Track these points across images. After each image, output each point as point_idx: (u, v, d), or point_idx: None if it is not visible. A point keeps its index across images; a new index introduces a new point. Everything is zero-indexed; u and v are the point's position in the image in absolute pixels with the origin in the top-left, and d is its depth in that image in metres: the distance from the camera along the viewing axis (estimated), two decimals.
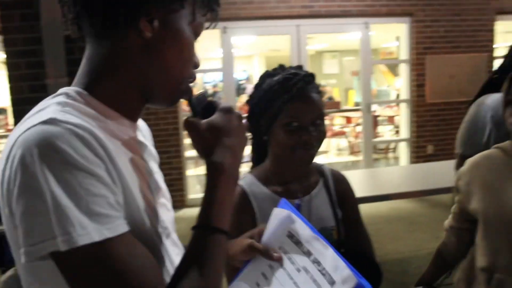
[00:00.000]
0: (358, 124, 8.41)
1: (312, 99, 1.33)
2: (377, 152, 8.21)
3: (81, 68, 0.83)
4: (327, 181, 1.49)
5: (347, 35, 7.52)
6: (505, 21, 6.44)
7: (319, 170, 1.51)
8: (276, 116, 1.34)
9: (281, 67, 1.43)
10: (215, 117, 0.82)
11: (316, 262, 0.94)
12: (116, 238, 0.67)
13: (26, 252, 0.65)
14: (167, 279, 0.77)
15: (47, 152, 0.65)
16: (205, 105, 0.86)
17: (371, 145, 6.67)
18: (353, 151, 8.48)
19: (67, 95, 0.77)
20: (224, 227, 0.77)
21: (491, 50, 6.32)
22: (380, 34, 8.39)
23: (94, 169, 0.67)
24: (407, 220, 4.95)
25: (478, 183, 1.53)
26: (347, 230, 1.47)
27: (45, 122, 0.68)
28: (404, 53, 6.44)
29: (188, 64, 0.84)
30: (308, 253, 0.96)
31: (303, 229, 0.98)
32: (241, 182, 1.43)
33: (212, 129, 0.81)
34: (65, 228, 0.63)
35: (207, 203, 0.78)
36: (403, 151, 6.74)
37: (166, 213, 0.89)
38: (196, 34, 0.85)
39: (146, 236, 0.78)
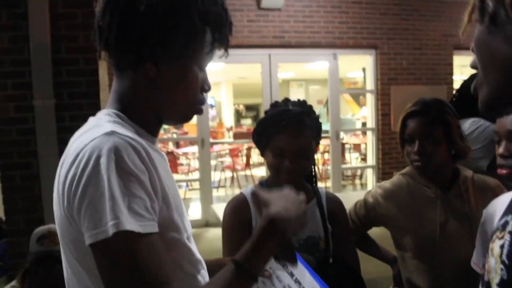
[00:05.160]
0: (325, 151, 8.65)
1: (297, 134, 1.56)
2: (344, 179, 8.43)
3: (111, 95, 0.99)
4: (321, 200, 1.70)
5: (313, 64, 7.78)
6: (462, 56, 6.86)
7: (315, 190, 1.73)
8: (268, 141, 1.60)
9: (286, 100, 1.66)
10: (285, 195, 1.02)
11: (297, 282, 1.17)
12: (146, 235, 0.79)
13: (90, 236, 0.78)
14: (191, 269, 0.97)
15: (110, 157, 0.79)
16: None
17: (340, 171, 6.88)
18: (321, 177, 8.67)
19: (109, 115, 0.93)
20: (258, 275, 0.91)
21: (450, 82, 6.75)
22: (344, 64, 8.73)
23: (140, 175, 0.81)
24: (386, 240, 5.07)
25: (397, 212, 1.77)
26: (336, 244, 1.66)
27: (107, 134, 0.83)
28: (370, 83, 6.75)
29: (194, 94, 0.99)
30: (291, 274, 1.20)
31: None
32: (243, 190, 1.71)
33: (279, 196, 1.00)
34: (116, 214, 0.76)
35: (256, 251, 0.91)
36: (370, 178, 6.99)
37: (187, 217, 1.05)
38: (201, 66, 0.99)
39: (179, 236, 0.94)
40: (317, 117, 1.65)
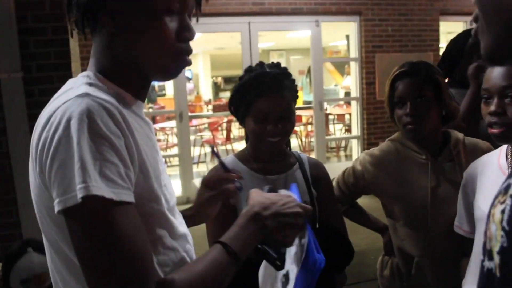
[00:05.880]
0: (309, 123, 8.52)
1: (278, 96, 1.53)
2: (329, 151, 8.36)
3: (90, 58, 0.95)
4: (303, 165, 1.69)
5: (294, 33, 7.61)
6: (448, 22, 6.77)
7: (297, 156, 1.72)
8: (248, 108, 1.56)
9: (261, 64, 1.62)
10: (276, 194, 1.05)
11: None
12: (119, 203, 0.76)
13: (59, 202, 0.74)
14: (173, 243, 0.93)
15: (81, 119, 0.76)
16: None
17: (324, 143, 6.78)
18: (304, 150, 8.60)
19: (88, 77, 0.89)
20: (242, 259, 0.90)
21: (437, 49, 6.61)
22: (327, 33, 8.58)
23: (113, 140, 0.78)
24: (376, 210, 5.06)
25: (387, 179, 1.75)
26: (322, 209, 1.66)
27: (80, 96, 0.80)
28: (354, 51, 6.61)
29: (166, 43, 0.91)
30: None
31: None
32: (223, 160, 1.64)
33: (269, 196, 1.03)
34: (84, 178, 0.73)
35: (239, 235, 0.93)
36: (355, 149, 6.91)
37: (171, 187, 1.02)
38: (176, 10, 0.92)
39: (159, 206, 0.90)
40: (294, 79, 1.63)
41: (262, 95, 1.52)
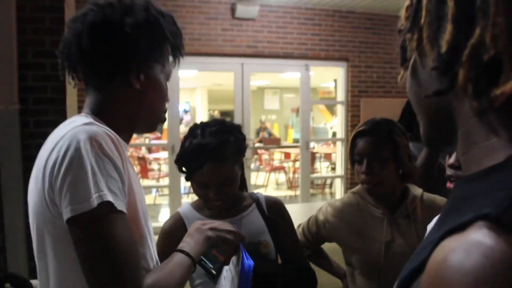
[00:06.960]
0: (297, 160, 8.71)
1: (217, 167, 1.52)
2: (314, 188, 8.51)
3: (86, 106, 1.08)
4: (261, 205, 1.71)
5: (287, 74, 7.84)
6: None
7: (254, 197, 1.73)
8: (190, 175, 1.58)
9: (203, 129, 1.57)
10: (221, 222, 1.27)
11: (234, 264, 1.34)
12: (120, 212, 0.90)
13: (72, 209, 0.86)
14: (150, 267, 1.04)
15: (91, 142, 0.90)
16: None
17: (309, 180, 6.93)
18: (291, 186, 8.74)
19: (86, 117, 1.02)
20: (195, 260, 1.10)
21: None
22: (319, 74, 8.79)
23: (116, 160, 0.93)
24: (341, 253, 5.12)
25: (346, 230, 1.78)
26: (283, 245, 1.68)
27: (87, 124, 0.95)
28: (340, 94, 6.83)
29: (164, 102, 1.14)
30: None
31: None
32: (178, 209, 1.74)
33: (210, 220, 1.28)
34: (100, 187, 0.88)
35: (190, 243, 1.13)
36: (338, 187, 7.05)
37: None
38: (167, 78, 1.14)
39: (142, 230, 1.03)
40: (238, 136, 1.59)
41: (201, 166, 1.51)
